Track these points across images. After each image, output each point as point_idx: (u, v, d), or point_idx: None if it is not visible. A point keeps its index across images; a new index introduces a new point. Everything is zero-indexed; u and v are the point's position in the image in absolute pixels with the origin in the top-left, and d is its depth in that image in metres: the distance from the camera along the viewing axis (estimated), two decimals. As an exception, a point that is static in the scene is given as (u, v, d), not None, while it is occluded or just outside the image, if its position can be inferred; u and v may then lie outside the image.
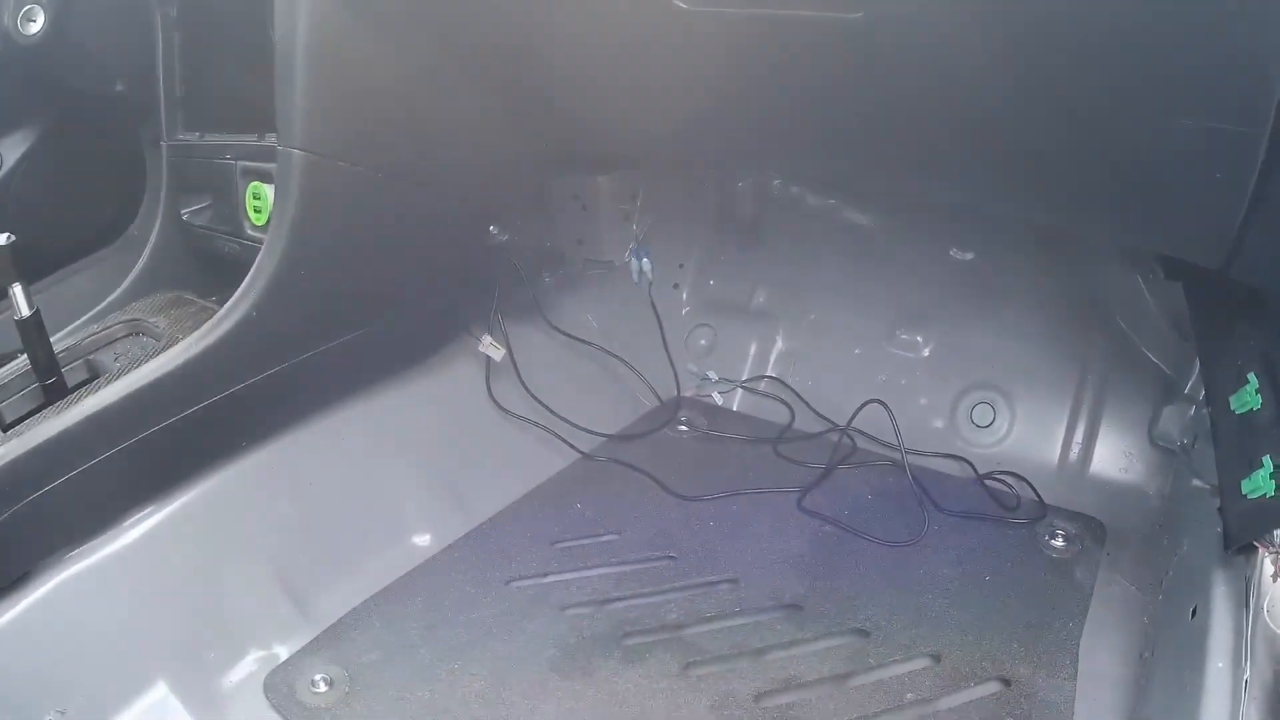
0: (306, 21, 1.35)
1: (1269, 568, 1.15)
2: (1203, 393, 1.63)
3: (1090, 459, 1.99)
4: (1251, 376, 1.34)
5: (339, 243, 1.54)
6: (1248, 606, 1.17)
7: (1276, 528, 1.17)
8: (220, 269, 1.77)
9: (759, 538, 1.85)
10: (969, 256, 2.17)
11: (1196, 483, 1.56)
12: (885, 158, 1.50)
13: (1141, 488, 1.91)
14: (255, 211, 1.64)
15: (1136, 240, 1.72)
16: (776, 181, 2.35)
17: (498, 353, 2.00)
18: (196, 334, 1.48)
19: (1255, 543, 1.19)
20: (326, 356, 1.64)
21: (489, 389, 2.02)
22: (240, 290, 1.49)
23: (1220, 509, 1.32)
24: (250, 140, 1.67)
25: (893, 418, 2.05)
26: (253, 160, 1.67)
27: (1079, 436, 2.01)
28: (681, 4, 1.26)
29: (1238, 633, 1.16)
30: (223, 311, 1.50)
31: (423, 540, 1.81)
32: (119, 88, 1.91)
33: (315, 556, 1.67)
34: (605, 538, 1.85)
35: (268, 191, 1.60)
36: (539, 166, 1.94)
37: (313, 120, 1.40)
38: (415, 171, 1.59)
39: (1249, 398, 1.33)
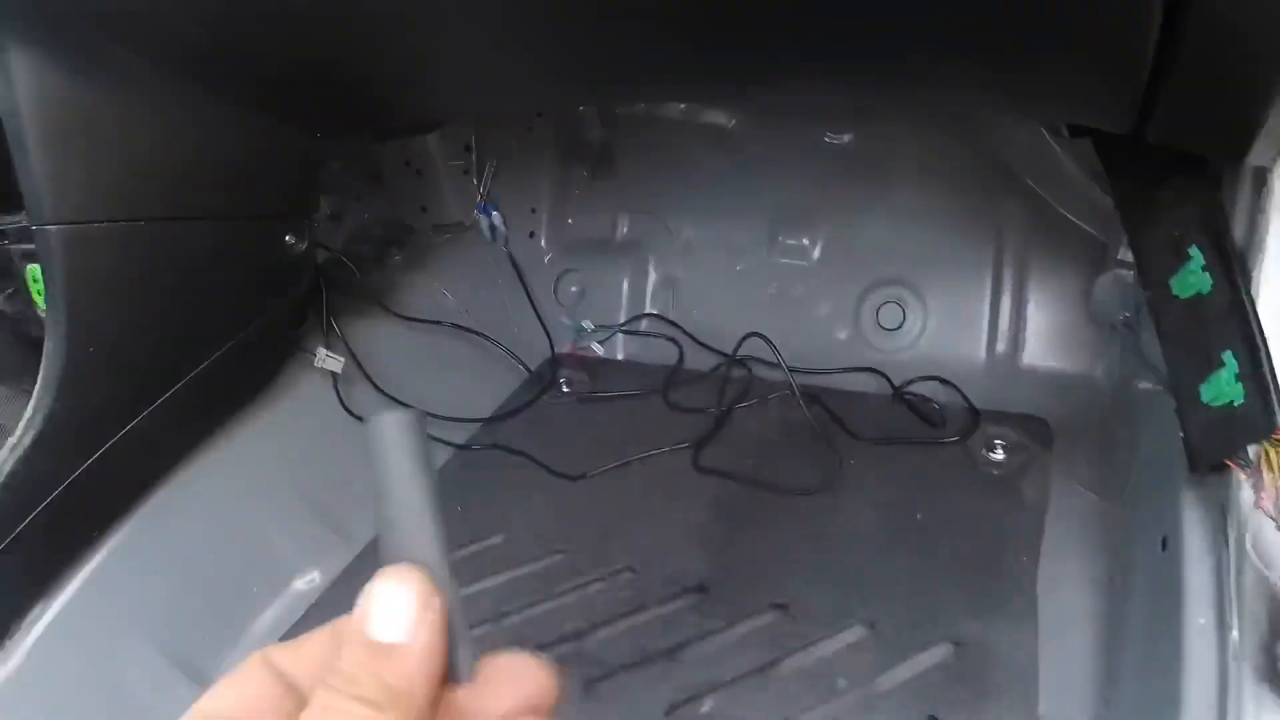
0: (26, 99, 1.21)
1: (1247, 493, 0.92)
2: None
3: (1021, 348, 1.81)
4: (1194, 251, 1.06)
5: (124, 306, 1.38)
6: (1227, 542, 0.95)
7: (1250, 442, 0.92)
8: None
9: (655, 512, 1.68)
10: (846, 139, 1.95)
11: (1144, 385, 1.36)
12: (719, 69, 1.29)
13: (1086, 373, 1.73)
14: (39, 295, 1.46)
15: (1023, 112, 1.52)
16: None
17: (338, 364, 1.80)
18: (9, 443, 1.34)
19: (1227, 461, 0.95)
20: (155, 420, 1.48)
21: (341, 402, 1.83)
22: (38, 387, 1.35)
23: (1179, 417, 1.05)
24: (18, 220, 1.48)
25: (772, 346, 1.88)
26: (25, 242, 1.49)
27: (1005, 324, 1.82)
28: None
29: (1218, 575, 0.95)
30: (28, 412, 1.35)
31: (309, 579, 1.66)
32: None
33: (202, 625, 1.53)
34: (491, 541, 1.68)
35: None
36: (321, 151, 1.71)
37: (58, 192, 1.25)
38: (184, 210, 1.43)
39: (1194, 278, 1.05)
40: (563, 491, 1.78)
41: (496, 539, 1.69)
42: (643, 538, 1.62)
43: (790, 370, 1.83)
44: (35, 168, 1.24)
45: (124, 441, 1.44)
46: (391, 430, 0.45)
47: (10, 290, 1.62)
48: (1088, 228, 1.71)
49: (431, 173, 2.10)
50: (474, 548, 1.68)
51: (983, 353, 1.82)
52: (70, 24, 1.25)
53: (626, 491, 1.75)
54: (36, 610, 1.41)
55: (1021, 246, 1.79)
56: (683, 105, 2.08)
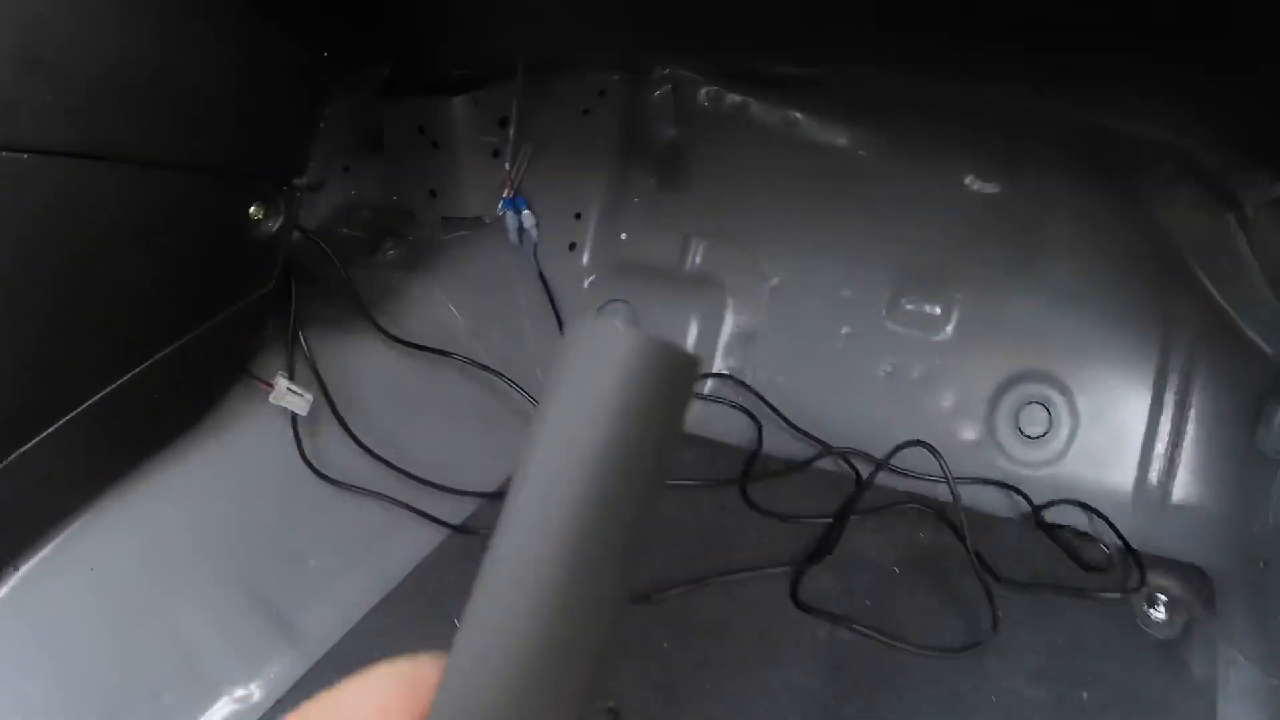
0: None
1: None
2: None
3: (1174, 476, 1.45)
4: None
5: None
6: None
7: None
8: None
9: (743, 665, 1.21)
10: (992, 189, 1.56)
11: None
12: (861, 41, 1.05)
13: (1245, 517, 1.38)
14: None
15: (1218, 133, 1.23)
16: (707, 89, 1.70)
17: (302, 403, 1.26)
18: None
19: None
20: (37, 458, 0.99)
21: (301, 452, 1.30)
22: None
23: None
24: None
25: (942, 461, 1.40)
26: None
27: (1161, 445, 1.46)
28: None
29: None
30: None
31: (245, 695, 1.19)
32: None
33: None
34: None
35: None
36: (348, 90, 1.18)
37: None
38: (106, 137, 0.91)
39: None
40: None
41: None
42: (726, 700, 1.17)
43: (903, 473, 1.50)
44: None
45: None
46: (635, 359, 0.25)
47: None
48: (1266, 347, 1.41)
49: (451, 146, 1.65)
50: None
51: (1131, 477, 1.46)
52: None
53: (699, 628, 1.27)
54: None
55: (1188, 356, 1.46)
56: (797, 114, 1.65)
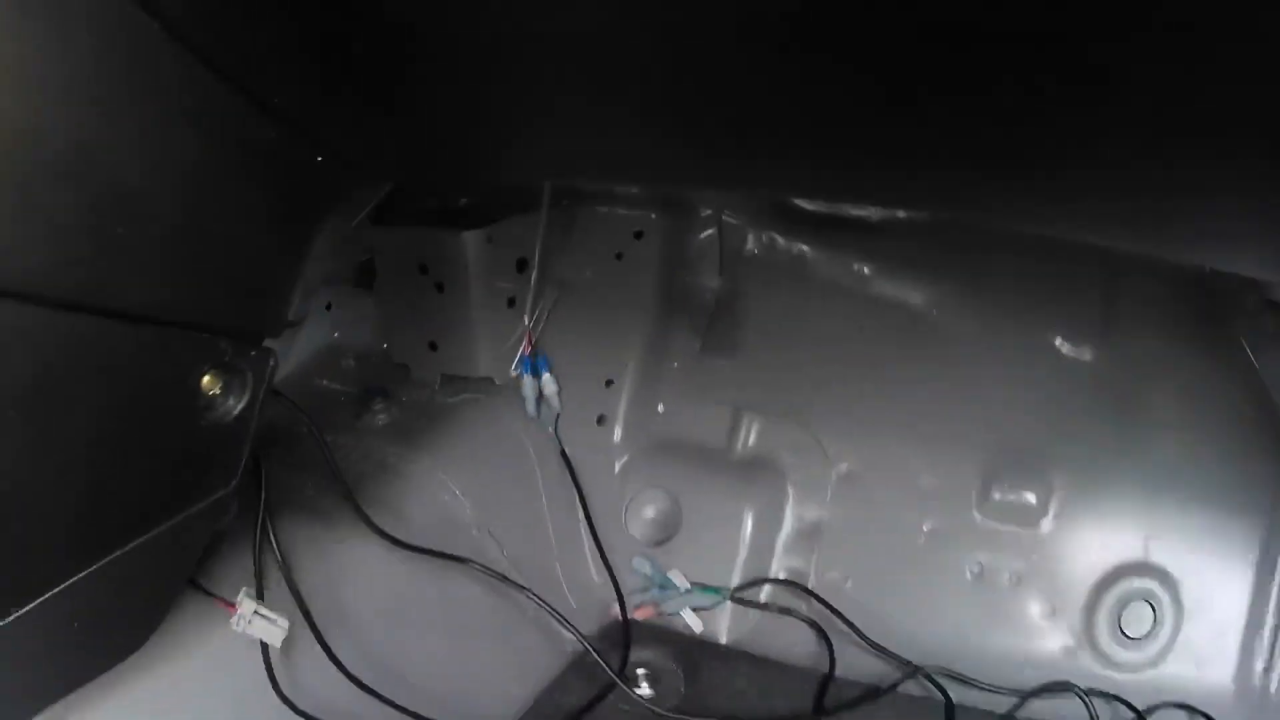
0: None
1: None
2: None
3: (1277, 670, 1.32)
4: None
5: None
6: None
7: None
8: None
9: None
10: (1087, 354, 1.42)
11: None
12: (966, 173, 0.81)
13: None
14: None
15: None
16: (759, 234, 1.56)
17: (275, 632, 0.99)
18: None
19: None
20: None
21: (274, 684, 1.03)
22: None
23: None
24: None
25: (1092, 708, 1.23)
26: None
27: (1266, 638, 1.33)
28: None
29: None
30: None
31: None
32: None
33: None
34: None
35: None
36: (301, 200, 0.90)
37: None
38: (3, 260, 0.62)
39: None
40: None
41: None
42: None
43: (991, 690, 1.33)
44: None
45: None
46: None
47: None
48: None
49: (459, 291, 1.43)
50: None
51: (1232, 673, 1.35)
52: None
53: None
54: None
55: None
56: (864, 266, 1.51)
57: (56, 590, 0.76)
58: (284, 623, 0.99)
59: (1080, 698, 1.24)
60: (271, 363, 0.87)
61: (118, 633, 0.90)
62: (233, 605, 0.97)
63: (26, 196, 0.60)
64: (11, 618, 0.73)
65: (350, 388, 1.48)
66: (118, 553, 0.79)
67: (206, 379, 0.81)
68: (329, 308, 1.63)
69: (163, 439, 0.80)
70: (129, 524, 0.80)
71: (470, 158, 0.97)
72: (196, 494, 0.86)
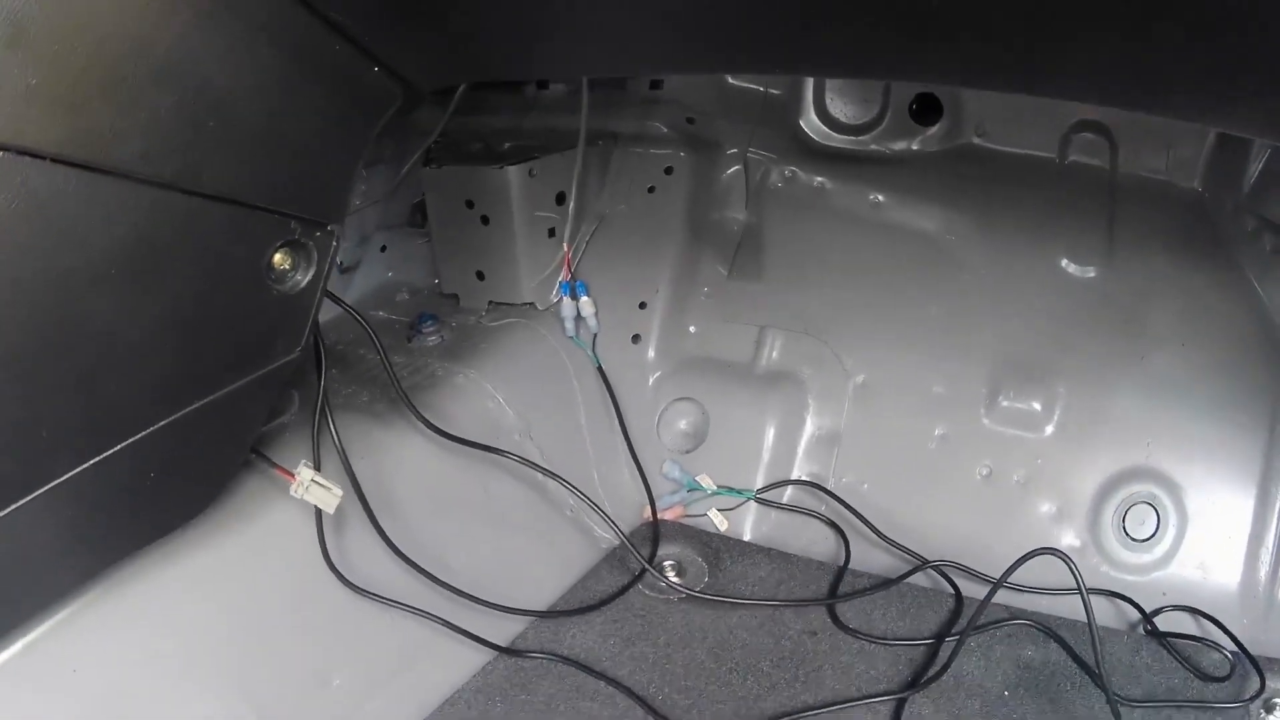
0: None
1: None
2: None
3: None
4: None
5: None
6: None
7: None
8: None
9: None
10: (1090, 273, 1.50)
11: None
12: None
13: None
14: None
15: None
16: (781, 169, 1.64)
17: (330, 498, 1.09)
18: None
19: None
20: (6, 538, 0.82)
21: (325, 554, 1.12)
22: None
23: None
24: None
25: (1076, 571, 1.25)
26: None
27: (1270, 541, 1.37)
28: None
29: None
30: None
31: None
32: None
33: None
34: None
35: None
36: (365, 98, 1.01)
37: None
38: (88, 140, 0.72)
39: None
40: None
41: None
42: None
43: (1004, 586, 1.34)
44: None
45: None
46: None
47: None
48: None
49: (503, 223, 1.52)
50: None
51: (1238, 578, 1.38)
52: None
53: None
54: None
55: None
56: (879, 195, 1.58)
57: (142, 434, 0.87)
58: (338, 491, 1.09)
59: (1064, 560, 1.27)
60: (334, 243, 0.97)
61: (189, 487, 1.02)
62: (292, 474, 1.07)
63: (135, 94, 0.72)
64: (105, 455, 0.85)
65: (404, 317, 1.57)
66: (196, 405, 0.91)
67: (278, 256, 0.92)
68: (383, 249, 1.73)
69: (239, 306, 0.92)
70: (207, 380, 0.92)
71: (509, 61, 1.06)
72: (266, 358, 0.98)
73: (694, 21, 0.87)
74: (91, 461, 0.84)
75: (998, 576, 1.33)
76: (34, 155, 0.67)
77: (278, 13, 0.81)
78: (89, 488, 0.85)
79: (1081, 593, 1.23)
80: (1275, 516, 1.38)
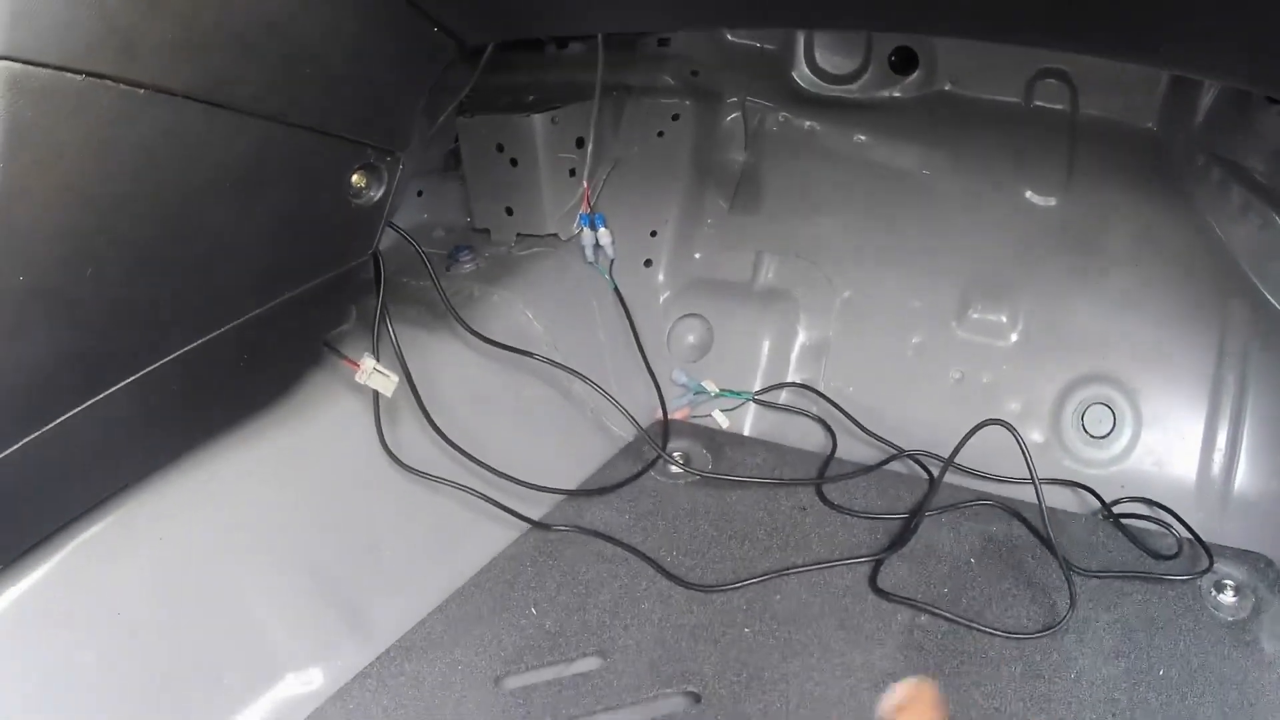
0: None
1: None
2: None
3: (1235, 471, 1.49)
4: None
5: (88, 219, 0.87)
6: None
7: None
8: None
9: (826, 649, 1.21)
10: (1051, 202, 1.64)
11: None
12: None
13: None
14: None
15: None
16: (777, 114, 1.82)
17: (388, 384, 1.27)
18: None
19: None
20: (95, 417, 0.96)
21: (381, 438, 1.31)
22: None
23: None
24: None
25: (1019, 438, 1.38)
26: None
27: (1221, 442, 1.50)
28: None
29: None
30: None
31: (306, 680, 1.17)
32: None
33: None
34: (581, 665, 1.20)
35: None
36: (429, 41, 1.20)
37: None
38: (204, 82, 0.91)
39: None
40: (685, 607, 1.29)
41: (591, 662, 1.21)
42: (812, 684, 1.16)
43: (975, 473, 1.53)
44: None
45: (49, 442, 0.94)
46: None
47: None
48: None
49: (530, 164, 1.69)
50: (554, 672, 1.19)
51: (1194, 473, 1.51)
52: None
53: (781, 615, 1.27)
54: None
55: (1242, 355, 1.52)
56: (863, 136, 1.75)
57: (243, 319, 1.06)
58: (394, 377, 1.26)
59: (1009, 430, 1.36)
60: (400, 166, 1.16)
61: (273, 373, 1.21)
62: (356, 363, 1.26)
63: (250, 46, 0.91)
64: (213, 335, 1.03)
65: (441, 250, 1.75)
66: (286, 296, 1.10)
67: (356, 175, 1.12)
68: (419, 194, 1.90)
69: (325, 214, 1.12)
70: (297, 276, 1.12)
71: (539, 20, 1.25)
72: (342, 259, 1.18)
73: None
74: (202, 340, 1.02)
75: (967, 465, 1.50)
76: (169, 93, 0.85)
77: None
78: (197, 364, 1.02)
79: (1027, 459, 1.35)
80: (1226, 418, 1.50)
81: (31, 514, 1.01)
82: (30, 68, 0.76)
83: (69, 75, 0.78)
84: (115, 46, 0.81)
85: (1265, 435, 1.48)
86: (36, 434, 0.91)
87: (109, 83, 0.81)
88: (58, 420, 0.93)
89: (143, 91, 0.84)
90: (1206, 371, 1.52)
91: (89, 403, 0.95)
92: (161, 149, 0.88)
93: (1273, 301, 1.49)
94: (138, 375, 0.98)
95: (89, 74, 0.80)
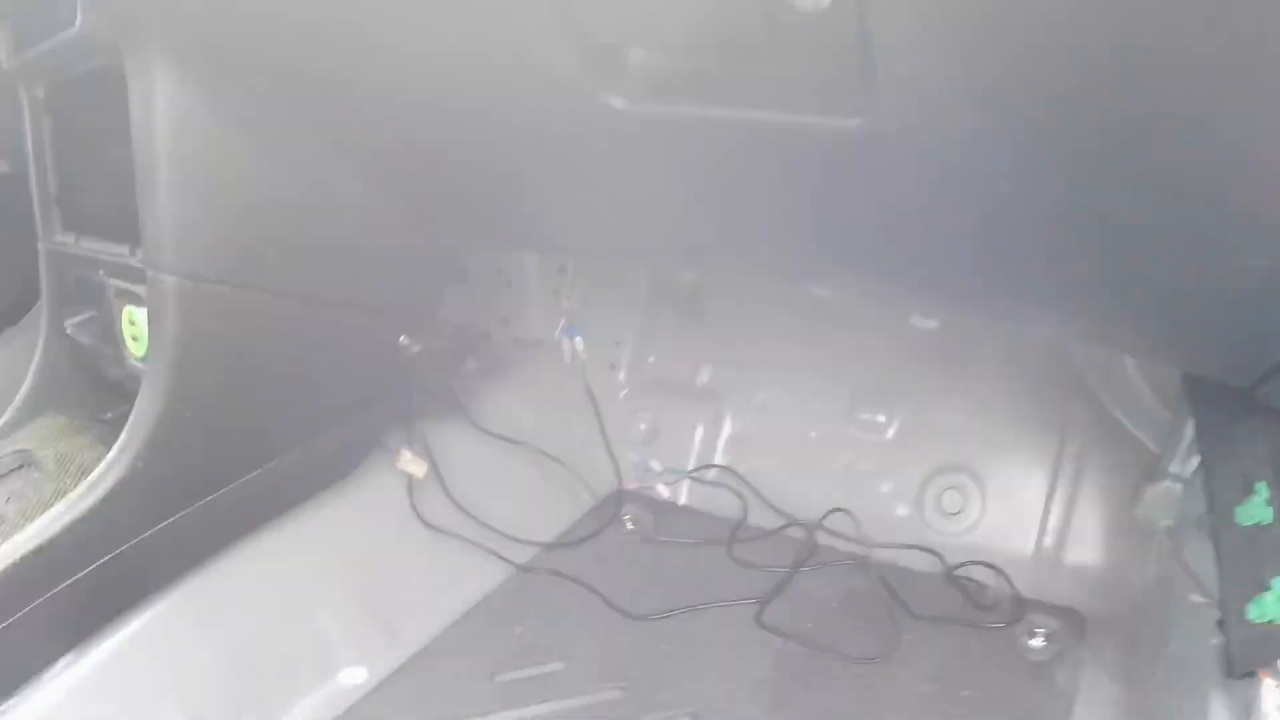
0: (166, 125, 1.14)
1: (1275, 698, 1.07)
2: (1189, 470, 1.54)
3: (1066, 543, 1.82)
4: (1260, 487, 1.20)
5: (230, 377, 1.34)
6: (1253, 741, 1.05)
7: (1285, 657, 1.05)
8: (109, 389, 1.56)
9: (717, 661, 1.67)
10: (932, 324, 1.99)
11: (1190, 595, 1.39)
12: (871, 272, 1.35)
13: (1122, 573, 1.75)
14: (133, 340, 1.39)
15: (1153, 358, 1.58)
16: None
17: (419, 468, 1.78)
18: (84, 485, 1.28)
19: (1260, 671, 1.09)
20: (233, 495, 1.46)
21: (413, 506, 1.81)
22: (122, 439, 1.29)
23: (1222, 629, 1.18)
24: (122, 254, 1.40)
25: (857, 521, 1.88)
26: (124, 280, 1.42)
27: (1054, 520, 1.84)
28: (616, 104, 1.03)
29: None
30: (105, 463, 1.30)
31: (355, 675, 1.62)
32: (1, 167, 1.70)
33: (237, 702, 1.49)
34: (549, 667, 1.66)
35: (143, 319, 1.35)
36: (454, 255, 1.71)
37: (184, 240, 1.20)
38: (308, 288, 1.39)
39: (1257, 510, 1.20)
40: (624, 629, 1.75)
41: (555, 665, 1.66)
42: (704, 684, 1.61)
43: (851, 541, 1.91)
44: (164, 210, 1.18)
45: (199, 512, 1.40)
46: None
47: (84, 317, 1.54)
48: (1145, 439, 1.73)
49: (522, 286, 2.13)
50: (530, 671, 1.65)
51: (1032, 544, 1.83)
52: (230, 66, 1.19)
53: (688, 638, 1.73)
54: (64, 661, 1.35)
55: (1080, 449, 1.83)
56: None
57: (332, 433, 1.56)
58: (423, 463, 1.78)
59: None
60: (431, 329, 1.67)
61: (346, 463, 1.70)
62: (394, 451, 1.78)
63: (300, 259, 1.40)
64: (315, 440, 1.54)
65: (452, 344, 2.15)
66: (360, 415, 1.61)
67: (404, 338, 1.63)
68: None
69: (383, 365, 1.61)
70: (367, 403, 1.62)
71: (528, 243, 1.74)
72: (396, 394, 1.69)
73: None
74: (310, 443, 1.54)
75: (847, 533, 1.92)
76: (287, 295, 1.34)
77: (389, 207, 1.47)
78: (305, 461, 1.53)
79: (861, 537, 1.86)
80: (1060, 501, 1.81)
81: (197, 545, 1.47)
82: (186, 281, 1.21)
83: (216, 286, 1.25)
84: (248, 263, 1.27)
85: (1095, 516, 1.79)
86: (189, 508, 1.40)
87: (236, 289, 1.26)
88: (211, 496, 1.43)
89: (266, 294, 1.31)
90: (1048, 463, 1.84)
91: (225, 489, 1.43)
92: (281, 334, 1.36)
93: (1108, 405, 1.75)
94: (256, 471, 1.47)
95: (225, 284, 1.26)
